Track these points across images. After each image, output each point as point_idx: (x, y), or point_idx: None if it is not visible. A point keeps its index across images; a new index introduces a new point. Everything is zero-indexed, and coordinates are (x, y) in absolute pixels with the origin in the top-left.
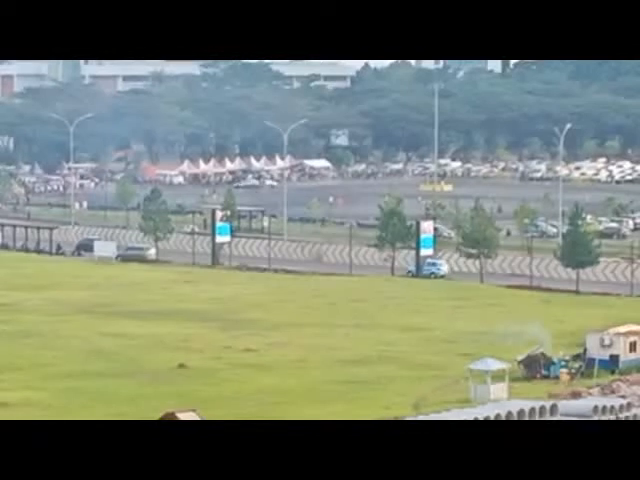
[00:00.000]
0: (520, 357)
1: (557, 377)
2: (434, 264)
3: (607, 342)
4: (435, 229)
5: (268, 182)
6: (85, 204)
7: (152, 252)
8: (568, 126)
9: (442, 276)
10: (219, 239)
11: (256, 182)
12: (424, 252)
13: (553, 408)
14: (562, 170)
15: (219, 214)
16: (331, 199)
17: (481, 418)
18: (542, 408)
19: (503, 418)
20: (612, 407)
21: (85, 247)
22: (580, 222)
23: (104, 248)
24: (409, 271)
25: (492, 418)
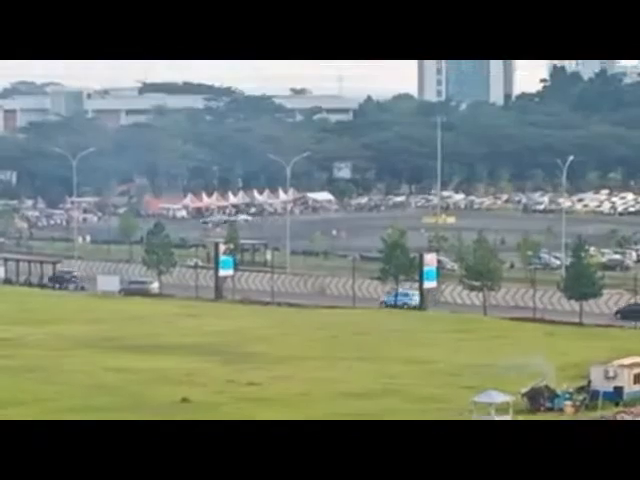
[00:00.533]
0: (524, 390)
1: (561, 409)
2: (406, 294)
3: (611, 374)
4: (438, 261)
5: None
6: (88, 238)
7: (155, 286)
8: (570, 158)
9: (415, 307)
10: (222, 272)
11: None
12: (427, 284)
13: None
14: (565, 202)
15: (222, 247)
16: (334, 232)
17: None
18: None
19: None
20: None
21: (59, 280)
22: (583, 254)
23: (107, 282)
24: (382, 302)
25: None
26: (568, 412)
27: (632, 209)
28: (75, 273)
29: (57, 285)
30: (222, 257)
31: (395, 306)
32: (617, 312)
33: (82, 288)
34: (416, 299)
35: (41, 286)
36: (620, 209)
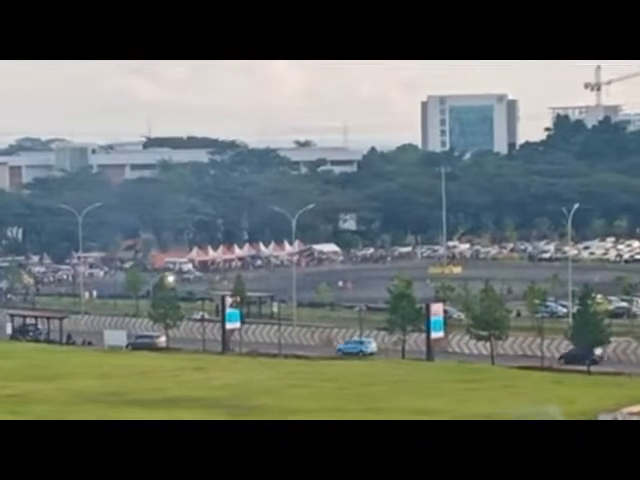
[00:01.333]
0: None
1: None
2: (361, 342)
3: None
4: (445, 311)
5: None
6: (95, 293)
7: (162, 340)
8: (576, 206)
9: (371, 353)
10: (229, 325)
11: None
12: (435, 335)
13: None
14: (571, 250)
15: (229, 300)
16: (340, 283)
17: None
18: None
19: None
20: None
21: (22, 331)
22: (590, 302)
23: (114, 337)
24: (339, 349)
25: None
26: None
27: (638, 256)
28: (39, 326)
29: (21, 336)
30: (229, 310)
31: (350, 354)
32: (560, 357)
33: (89, 343)
34: (372, 346)
35: (48, 342)
36: (626, 256)
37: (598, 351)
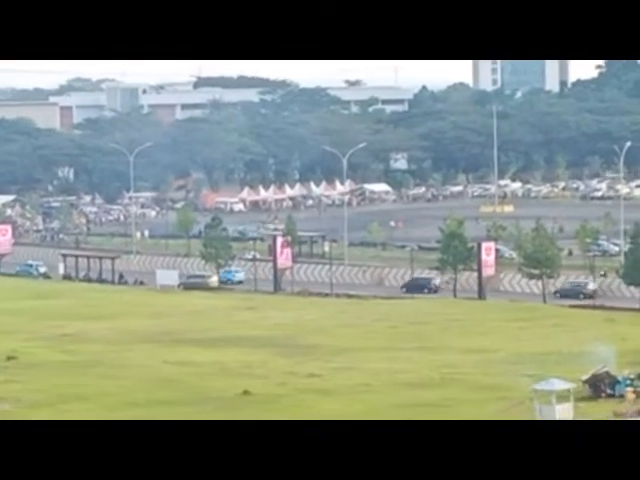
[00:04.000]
0: (585, 377)
1: (622, 396)
2: (230, 272)
3: None
4: (497, 250)
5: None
6: (146, 233)
7: (214, 279)
8: (628, 144)
9: (239, 282)
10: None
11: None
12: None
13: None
14: (623, 188)
15: (280, 240)
16: (392, 223)
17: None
18: None
19: None
20: None
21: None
22: None
23: (166, 276)
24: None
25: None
26: (629, 398)
27: None
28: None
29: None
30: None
31: (225, 282)
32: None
33: (141, 283)
34: (240, 275)
35: (100, 281)
36: None
37: (591, 285)
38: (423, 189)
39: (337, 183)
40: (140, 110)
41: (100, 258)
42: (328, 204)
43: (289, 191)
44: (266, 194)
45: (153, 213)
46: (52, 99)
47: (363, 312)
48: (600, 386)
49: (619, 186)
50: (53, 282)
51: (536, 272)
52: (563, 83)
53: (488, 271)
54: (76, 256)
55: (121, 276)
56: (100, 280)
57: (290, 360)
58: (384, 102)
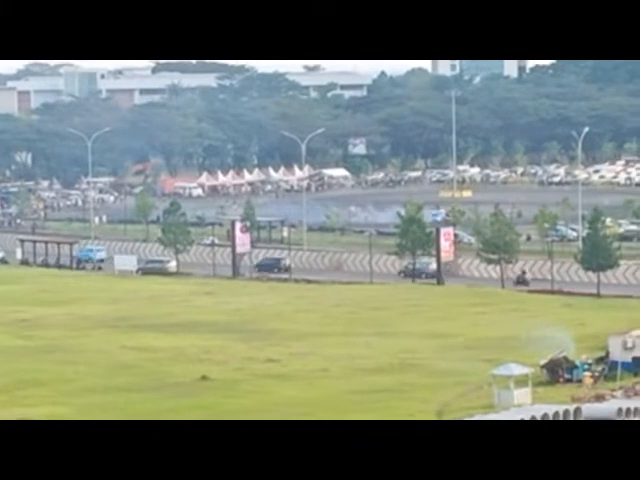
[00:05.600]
0: (543, 361)
1: (580, 381)
2: (91, 250)
3: (630, 345)
4: (455, 235)
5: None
6: (105, 218)
7: (172, 265)
8: (586, 129)
9: (101, 260)
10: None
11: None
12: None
13: (577, 411)
14: (581, 174)
15: (239, 225)
16: (353, 208)
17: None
18: (566, 412)
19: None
20: (636, 409)
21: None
22: (600, 225)
23: (125, 262)
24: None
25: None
26: (587, 383)
27: None
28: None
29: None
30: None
31: (87, 261)
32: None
33: (99, 268)
34: (101, 254)
35: (58, 267)
36: (636, 180)
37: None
38: (382, 174)
39: (296, 168)
40: (98, 95)
41: (58, 243)
42: (287, 189)
43: (248, 176)
44: (225, 179)
45: (111, 198)
46: (10, 84)
47: (322, 297)
48: (558, 371)
49: (577, 171)
50: (10, 267)
51: (494, 257)
52: (521, 69)
53: (447, 256)
54: (34, 241)
55: (79, 261)
56: (58, 265)
57: (248, 345)
58: (343, 87)
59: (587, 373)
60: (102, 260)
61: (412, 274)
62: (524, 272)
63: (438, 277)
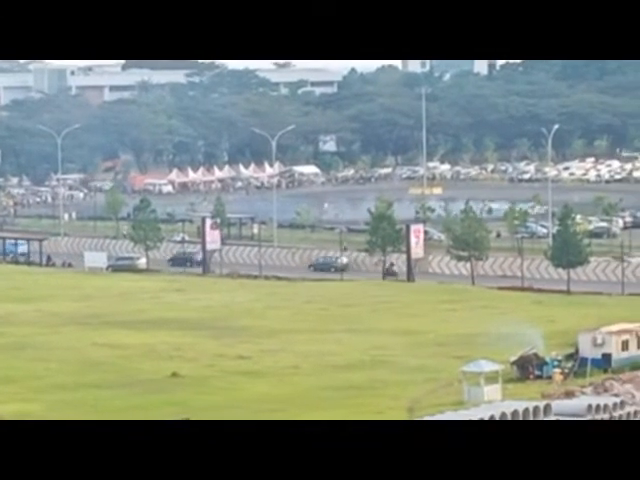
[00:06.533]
0: (513, 358)
1: (550, 377)
2: (15, 244)
3: (599, 341)
4: (425, 232)
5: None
6: (74, 215)
7: (142, 261)
8: (556, 127)
9: (23, 254)
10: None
11: None
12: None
13: (547, 408)
14: (551, 171)
15: (209, 222)
16: (326, 205)
17: (475, 420)
18: (536, 408)
19: (497, 419)
20: (605, 406)
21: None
22: (570, 222)
23: (95, 259)
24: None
25: (486, 419)
26: (557, 380)
27: (618, 176)
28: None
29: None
30: None
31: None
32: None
33: (69, 265)
34: (22, 248)
35: (28, 263)
36: (606, 177)
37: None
38: (352, 171)
39: (266, 165)
40: (68, 92)
41: (28, 240)
42: (257, 186)
43: (218, 173)
44: (195, 176)
45: (81, 195)
46: None
47: (292, 294)
48: (528, 368)
49: (547, 168)
50: None
51: (464, 254)
52: (491, 66)
53: (417, 253)
54: (3, 238)
55: (49, 258)
56: (28, 262)
57: (219, 342)
58: (313, 84)
59: (557, 370)
60: (23, 254)
61: (321, 268)
62: (392, 264)
63: (408, 273)
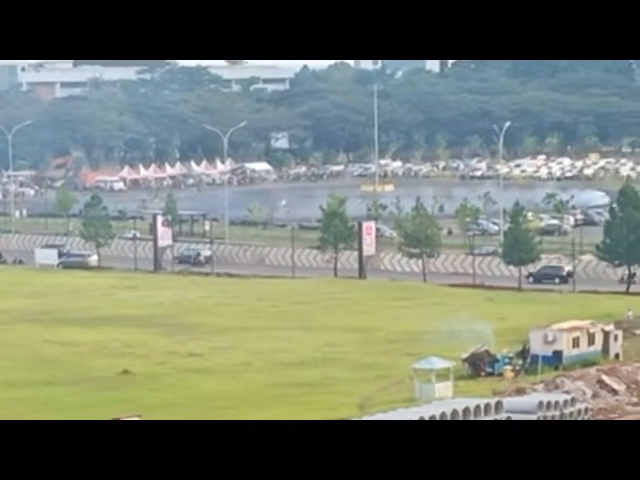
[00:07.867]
0: (464, 355)
1: (501, 374)
2: None
3: (550, 338)
4: (377, 229)
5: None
6: (25, 212)
7: (94, 258)
8: (507, 124)
9: None
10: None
11: None
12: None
13: (498, 405)
14: (502, 168)
15: (160, 219)
16: (284, 202)
17: (426, 417)
18: (487, 405)
19: (448, 416)
20: (556, 403)
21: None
22: (521, 219)
23: (45, 255)
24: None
25: (437, 416)
26: (508, 377)
27: (569, 174)
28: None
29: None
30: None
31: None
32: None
33: (20, 262)
34: None
35: None
36: (557, 174)
37: (568, 267)
38: (304, 168)
39: (218, 162)
40: (19, 88)
41: None
42: (209, 183)
43: (169, 170)
44: (146, 173)
45: (32, 192)
46: None
47: (244, 291)
48: (479, 365)
49: (498, 166)
50: None
51: (416, 251)
52: (443, 63)
53: (369, 250)
54: None
55: (0, 255)
56: None
57: (170, 339)
58: (265, 81)
59: (508, 367)
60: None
61: (187, 261)
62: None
63: (360, 271)
